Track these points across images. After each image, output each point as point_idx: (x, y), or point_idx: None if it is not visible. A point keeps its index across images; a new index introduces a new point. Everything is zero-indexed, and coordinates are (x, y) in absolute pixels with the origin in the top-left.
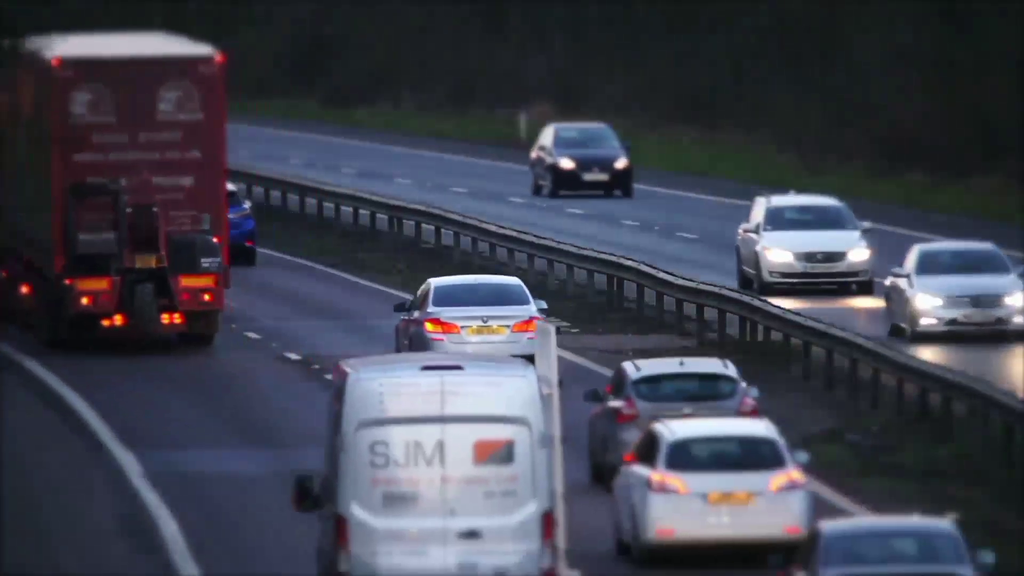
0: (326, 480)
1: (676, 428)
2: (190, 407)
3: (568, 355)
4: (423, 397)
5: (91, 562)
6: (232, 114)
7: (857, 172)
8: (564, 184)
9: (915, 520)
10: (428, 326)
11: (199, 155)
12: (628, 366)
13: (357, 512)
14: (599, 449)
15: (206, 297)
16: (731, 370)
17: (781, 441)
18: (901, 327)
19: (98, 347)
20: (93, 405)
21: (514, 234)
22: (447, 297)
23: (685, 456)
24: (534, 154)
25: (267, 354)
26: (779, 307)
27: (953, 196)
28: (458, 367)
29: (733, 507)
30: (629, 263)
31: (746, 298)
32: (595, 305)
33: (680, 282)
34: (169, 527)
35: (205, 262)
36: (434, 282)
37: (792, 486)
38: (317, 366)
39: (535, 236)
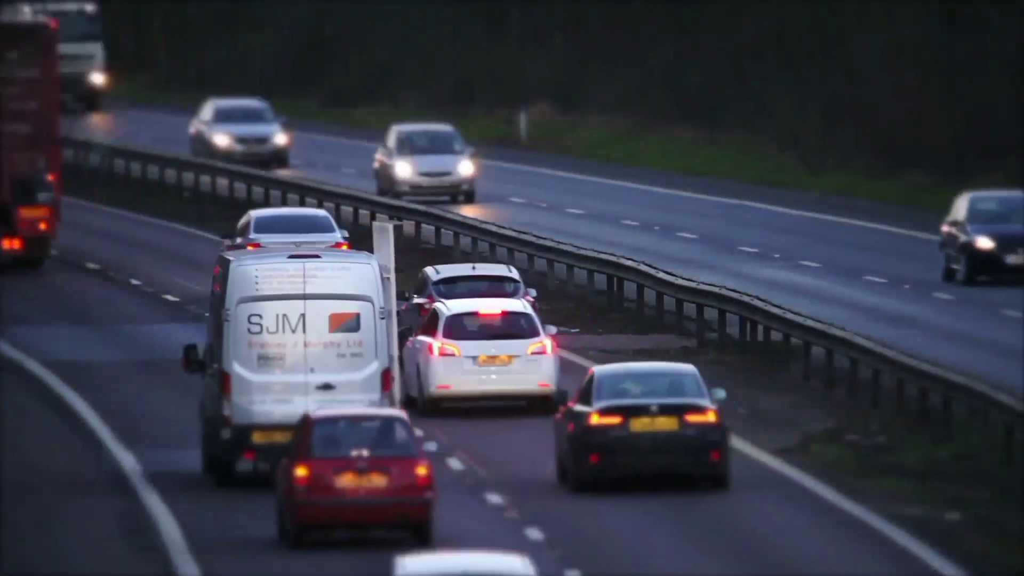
0: (210, 348)
1: (452, 306)
2: (190, 407)
3: (568, 355)
4: (289, 279)
5: (91, 562)
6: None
7: (857, 172)
8: (982, 268)
9: (666, 364)
10: (249, 250)
11: (36, 106)
12: (429, 270)
13: (238, 369)
14: (405, 336)
15: (42, 226)
16: (514, 274)
17: (536, 316)
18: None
19: (99, 347)
20: (93, 405)
21: (514, 234)
22: (265, 226)
23: (459, 327)
24: (945, 229)
25: None
26: (779, 307)
27: (953, 196)
28: (317, 256)
29: (497, 367)
30: (629, 263)
31: (746, 298)
32: (595, 305)
33: (680, 282)
34: (169, 527)
35: (41, 196)
36: (254, 213)
37: (543, 351)
38: None
39: (535, 236)
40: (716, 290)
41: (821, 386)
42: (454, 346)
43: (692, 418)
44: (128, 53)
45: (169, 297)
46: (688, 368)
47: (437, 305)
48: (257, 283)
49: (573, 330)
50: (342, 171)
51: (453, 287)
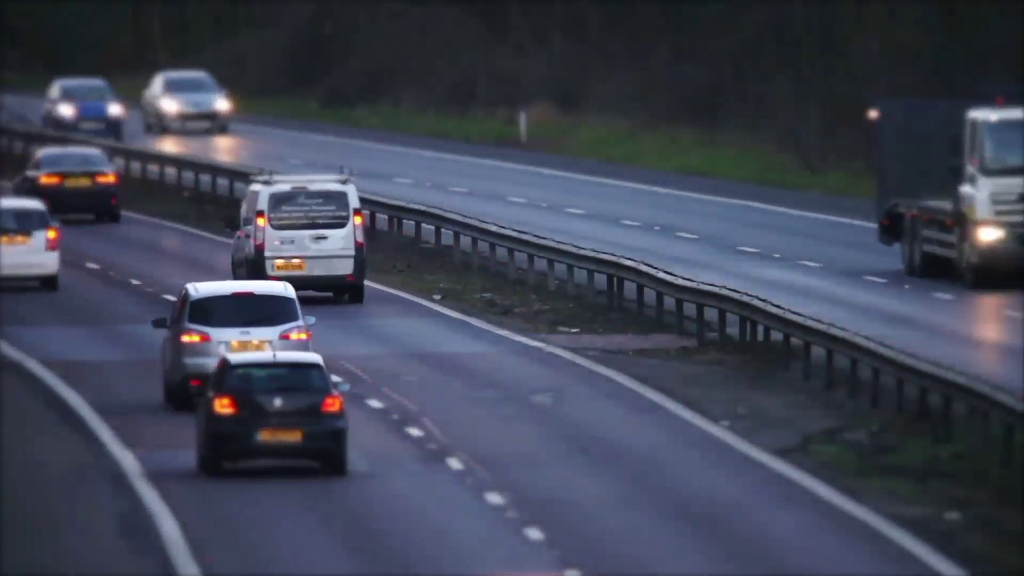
0: None
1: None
2: (189, 407)
3: (568, 355)
4: None
5: (91, 562)
6: (232, 114)
7: (857, 172)
8: None
9: (81, 149)
10: None
11: None
12: (41, 152)
13: None
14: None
15: None
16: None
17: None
18: None
19: (99, 347)
20: (93, 405)
21: (514, 234)
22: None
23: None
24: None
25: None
26: (779, 307)
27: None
28: None
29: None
30: (629, 263)
31: (746, 298)
32: (595, 305)
33: (680, 282)
34: (169, 527)
35: None
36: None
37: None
38: None
39: (535, 236)
40: (716, 290)
41: (821, 386)
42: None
43: (100, 179)
44: (128, 53)
45: (169, 297)
46: (96, 150)
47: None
48: None
49: (573, 330)
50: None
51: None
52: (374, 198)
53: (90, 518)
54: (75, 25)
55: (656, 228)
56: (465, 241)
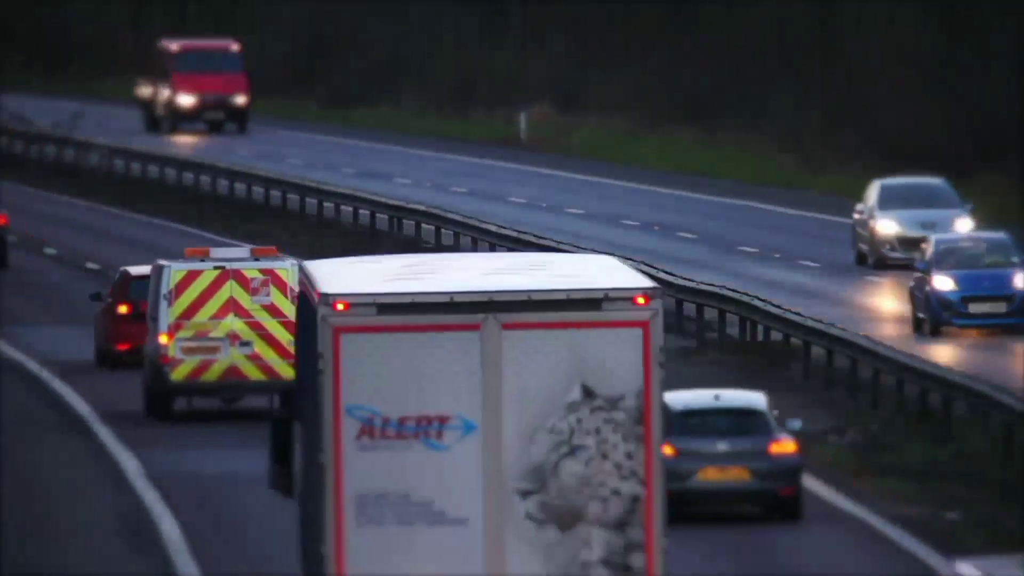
0: None
1: None
2: (190, 407)
3: None
4: None
5: (91, 562)
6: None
7: (857, 172)
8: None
9: None
10: None
11: None
12: None
13: None
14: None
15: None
16: None
17: None
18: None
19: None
20: (93, 405)
21: (514, 234)
22: None
23: None
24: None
25: None
26: (779, 307)
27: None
28: None
29: None
30: (629, 263)
31: (746, 298)
32: None
33: (680, 282)
34: (169, 527)
35: None
36: None
37: None
38: None
39: (535, 236)
40: (716, 290)
41: (821, 386)
42: None
43: None
44: (128, 53)
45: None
46: None
47: None
48: None
49: None
50: (342, 171)
51: None
52: (374, 198)
53: (90, 518)
54: (75, 25)
55: (656, 228)
56: (465, 241)
